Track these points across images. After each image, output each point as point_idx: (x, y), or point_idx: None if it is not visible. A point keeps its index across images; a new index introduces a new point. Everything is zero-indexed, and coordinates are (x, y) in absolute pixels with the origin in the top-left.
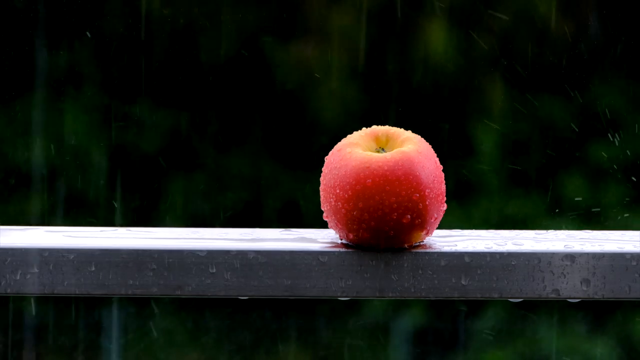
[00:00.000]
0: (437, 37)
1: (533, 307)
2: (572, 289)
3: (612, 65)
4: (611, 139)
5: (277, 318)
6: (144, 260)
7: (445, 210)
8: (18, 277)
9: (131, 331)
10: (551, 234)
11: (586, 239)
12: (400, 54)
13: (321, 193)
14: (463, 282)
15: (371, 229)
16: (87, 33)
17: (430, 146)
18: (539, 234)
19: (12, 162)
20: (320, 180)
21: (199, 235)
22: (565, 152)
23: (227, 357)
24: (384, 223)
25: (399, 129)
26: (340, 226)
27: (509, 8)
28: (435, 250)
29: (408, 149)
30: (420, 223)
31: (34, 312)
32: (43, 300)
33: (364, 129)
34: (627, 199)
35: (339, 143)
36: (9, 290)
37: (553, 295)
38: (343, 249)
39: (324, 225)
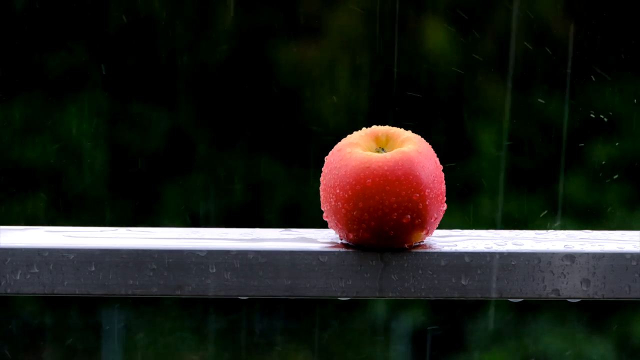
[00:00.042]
0: (437, 37)
1: (533, 307)
2: (572, 289)
3: (612, 65)
4: (611, 139)
5: (277, 318)
6: (144, 260)
7: (445, 210)
8: (18, 277)
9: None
10: (551, 234)
11: (586, 239)
12: (401, 53)
13: (321, 193)
14: (463, 282)
15: (371, 229)
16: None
17: (430, 146)
18: (539, 234)
19: (12, 162)
20: (320, 180)
21: (199, 235)
22: (566, 152)
23: (227, 357)
24: (384, 223)
25: (399, 129)
26: (340, 226)
27: (509, 8)
28: (435, 250)
29: (408, 149)
30: (420, 223)
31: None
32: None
33: (364, 129)
34: (627, 199)
35: (339, 143)
36: (9, 290)
37: (553, 295)
38: (343, 249)
39: (324, 225)
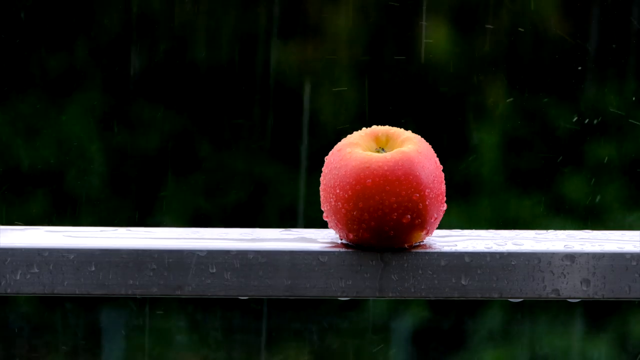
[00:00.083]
0: (437, 37)
1: (533, 307)
2: (572, 289)
3: (612, 65)
4: (611, 139)
5: (277, 318)
6: (144, 260)
7: (445, 210)
8: (18, 277)
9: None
10: (551, 234)
11: (586, 239)
12: (401, 53)
13: (321, 193)
14: (463, 282)
15: (371, 229)
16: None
17: (430, 146)
18: (539, 234)
19: (13, 162)
20: (320, 180)
21: (199, 235)
22: (565, 152)
23: (227, 357)
24: (384, 223)
25: (399, 129)
26: (340, 226)
27: (510, 8)
28: (435, 250)
29: (408, 149)
30: (420, 223)
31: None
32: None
33: (364, 129)
34: (627, 199)
35: (339, 143)
36: (9, 290)
37: (553, 295)
38: (343, 249)
39: (324, 225)
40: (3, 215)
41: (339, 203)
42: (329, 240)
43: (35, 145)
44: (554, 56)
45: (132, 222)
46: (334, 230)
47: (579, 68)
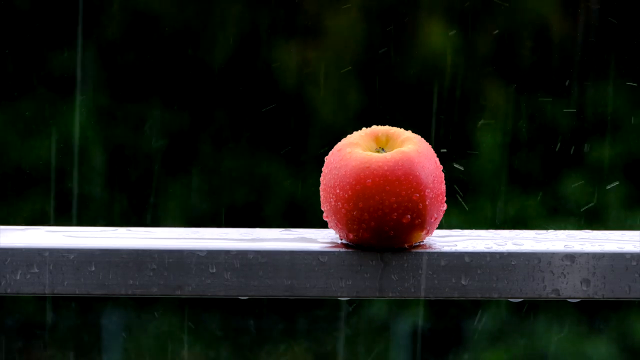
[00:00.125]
0: (437, 37)
1: (533, 307)
2: (572, 289)
3: (612, 65)
4: (611, 139)
5: (277, 318)
6: (144, 260)
7: (446, 210)
8: (18, 277)
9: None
10: (551, 234)
11: (586, 239)
12: (400, 54)
13: (321, 193)
14: (463, 282)
15: (371, 229)
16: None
17: (430, 146)
18: (539, 234)
19: (13, 162)
20: (320, 180)
21: (199, 235)
22: (565, 152)
23: (227, 357)
24: (384, 223)
25: (399, 129)
26: (340, 226)
27: (509, 8)
28: (435, 250)
29: (408, 149)
30: (420, 223)
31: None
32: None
33: (364, 129)
34: (627, 199)
35: (339, 143)
36: (9, 290)
37: (553, 295)
38: (343, 249)
39: (324, 225)
40: (3, 215)
41: (339, 203)
42: (329, 240)
43: (35, 145)
44: (555, 56)
45: (132, 222)
46: (334, 230)
47: (580, 68)
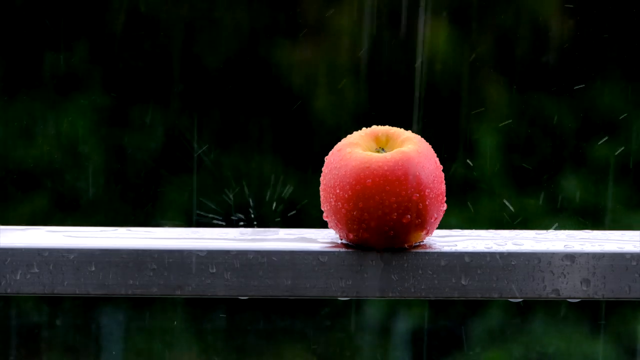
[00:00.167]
0: (437, 37)
1: (533, 307)
2: (572, 289)
3: (612, 64)
4: (611, 139)
5: (277, 318)
6: (144, 260)
7: (446, 210)
8: (18, 277)
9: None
10: (551, 234)
11: (586, 239)
12: (401, 53)
13: (321, 193)
14: (463, 282)
15: (371, 229)
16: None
17: (430, 146)
18: (539, 234)
19: (13, 162)
20: (321, 180)
21: (199, 235)
22: (565, 152)
23: (227, 357)
24: (384, 223)
25: (399, 129)
26: (340, 226)
27: (509, 7)
28: (435, 250)
29: (408, 149)
30: (420, 223)
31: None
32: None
33: (364, 129)
34: (627, 199)
35: (339, 143)
36: (9, 290)
37: (553, 295)
38: (343, 249)
39: (324, 225)
40: (3, 215)
41: (339, 203)
42: (329, 240)
43: (35, 145)
44: (555, 55)
45: (132, 222)
46: (334, 230)
47: (580, 67)
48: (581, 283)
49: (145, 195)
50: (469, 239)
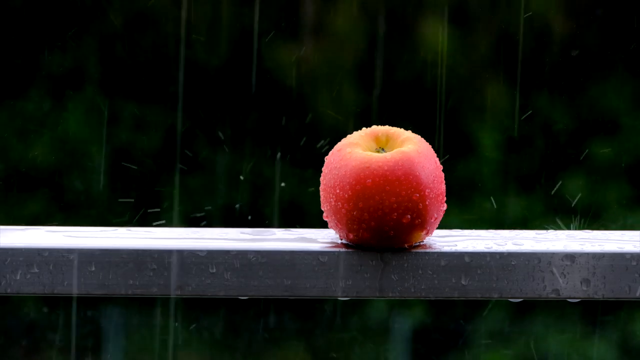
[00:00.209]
0: (437, 37)
1: (533, 307)
2: (572, 289)
3: (612, 64)
4: (611, 139)
5: (277, 318)
6: (144, 260)
7: (446, 210)
8: (18, 277)
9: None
10: (551, 234)
11: (586, 239)
12: (401, 53)
13: (321, 193)
14: (463, 282)
15: (371, 229)
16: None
17: (430, 146)
18: (539, 234)
19: (13, 162)
20: (321, 180)
21: (199, 235)
22: (566, 152)
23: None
24: (384, 223)
25: (399, 129)
26: (340, 226)
27: (510, 8)
28: (435, 250)
29: (408, 149)
30: (420, 223)
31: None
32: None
33: (364, 129)
34: (627, 199)
35: (339, 143)
36: (9, 290)
37: (553, 295)
38: (343, 249)
39: (324, 225)
40: (3, 215)
41: (339, 203)
42: (329, 240)
43: (35, 144)
44: (555, 55)
45: (132, 222)
46: (334, 230)
47: (580, 67)
48: (581, 283)
49: (146, 195)
50: (469, 239)
